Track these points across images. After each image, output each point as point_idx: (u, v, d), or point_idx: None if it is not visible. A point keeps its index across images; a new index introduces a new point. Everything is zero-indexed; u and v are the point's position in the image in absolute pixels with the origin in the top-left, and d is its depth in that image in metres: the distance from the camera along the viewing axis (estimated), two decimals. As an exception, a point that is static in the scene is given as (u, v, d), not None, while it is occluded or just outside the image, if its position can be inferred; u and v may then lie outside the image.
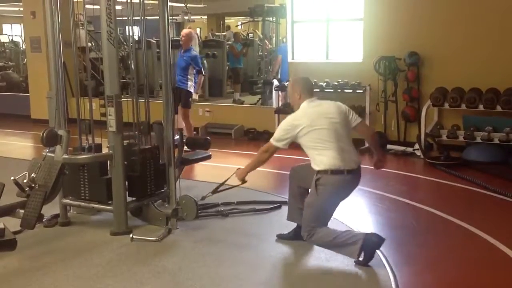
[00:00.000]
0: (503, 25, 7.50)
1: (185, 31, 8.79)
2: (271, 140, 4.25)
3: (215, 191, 4.68)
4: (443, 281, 3.90)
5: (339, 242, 4.02)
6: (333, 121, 4.11)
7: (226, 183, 4.65)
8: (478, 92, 7.38)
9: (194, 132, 9.21)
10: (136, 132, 4.97)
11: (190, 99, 8.12)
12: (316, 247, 4.35)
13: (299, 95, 4.24)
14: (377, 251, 4.09)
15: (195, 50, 8.50)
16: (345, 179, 4.08)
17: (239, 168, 4.42)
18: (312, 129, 4.07)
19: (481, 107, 7.25)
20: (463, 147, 7.51)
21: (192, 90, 8.09)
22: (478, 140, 7.24)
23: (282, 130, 4.21)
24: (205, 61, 12.33)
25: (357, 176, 4.18)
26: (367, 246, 3.95)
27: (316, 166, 4.09)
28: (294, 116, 4.21)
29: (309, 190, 4.22)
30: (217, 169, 6.77)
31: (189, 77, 8.03)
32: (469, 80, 7.55)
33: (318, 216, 4.12)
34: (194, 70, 8.10)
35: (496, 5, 7.55)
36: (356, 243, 3.96)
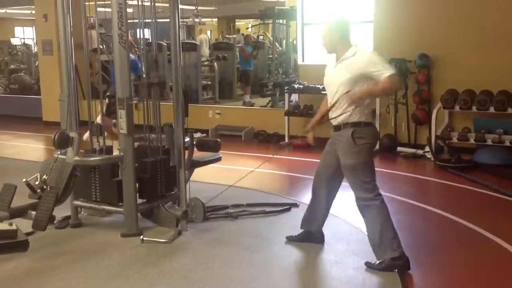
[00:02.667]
0: (515, 27, 7.47)
1: None
2: (391, 71, 3.88)
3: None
4: (452, 283, 3.89)
5: (384, 237, 3.93)
6: None
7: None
8: (489, 94, 7.35)
9: (204, 135, 9.21)
10: (147, 134, 5.00)
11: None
12: (325, 249, 4.36)
13: (341, 38, 4.08)
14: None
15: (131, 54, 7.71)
16: (376, 131, 4.16)
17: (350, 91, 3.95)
18: None
19: (492, 110, 7.21)
20: (474, 150, 7.47)
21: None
22: (489, 142, 7.21)
23: (383, 58, 4.02)
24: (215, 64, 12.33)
25: None
26: (394, 262, 3.90)
27: (351, 118, 3.95)
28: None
29: (341, 156, 4.03)
30: (227, 171, 6.79)
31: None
32: (480, 82, 7.51)
33: (368, 170, 3.99)
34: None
35: (507, 8, 7.52)
36: (392, 252, 3.91)
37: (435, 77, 8.01)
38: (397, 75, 3.88)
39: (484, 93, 7.38)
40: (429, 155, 7.64)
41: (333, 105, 4.04)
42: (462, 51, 7.78)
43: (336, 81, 4.04)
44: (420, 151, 7.87)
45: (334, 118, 4.05)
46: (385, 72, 3.85)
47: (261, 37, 16.66)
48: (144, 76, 6.37)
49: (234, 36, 19.57)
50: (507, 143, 7.10)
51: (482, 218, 5.14)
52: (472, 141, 7.38)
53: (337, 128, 4.05)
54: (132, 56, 7.03)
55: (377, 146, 6.35)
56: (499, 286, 3.87)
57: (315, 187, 4.37)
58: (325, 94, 4.28)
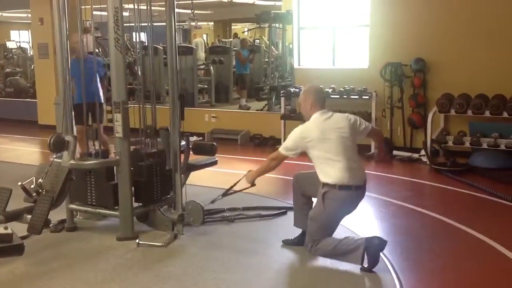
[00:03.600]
0: (510, 31, 7.49)
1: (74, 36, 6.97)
2: (280, 148, 4.29)
3: (225, 194, 4.73)
4: (448, 287, 3.89)
5: (341, 250, 4.03)
6: (343, 135, 4.12)
7: (234, 187, 4.68)
8: (484, 98, 7.37)
9: (200, 138, 9.21)
10: (143, 138, 5.00)
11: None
12: (321, 253, 4.36)
13: (311, 105, 4.23)
14: (382, 256, 4.09)
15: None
16: (353, 195, 4.11)
17: (250, 170, 4.48)
18: (322, 142, 4.08)
19: (487, 113, 7.24)
20: (469, 153, 7.49)
21: (103, 101, 6.86)
22: (484, 146, 7.22)
23: (291, 140, 4.22)
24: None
25: (363, 192, 4.21)
26: (370, 249, 3.94)
27: (324, 179, 4.09)
28: (304, 127, 4.22)
29: (313, 199, 4.24)
30: (223, 174, 6.78)
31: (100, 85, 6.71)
32: (476, 86, 7.54)
33: (323, 230, 4.15)
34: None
35: (503, 12, 7.55)
36: (358, 248, 3.96)
37: (431, 81, 8.03)
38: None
39: (479, 97, 7.40)
40: (424, 159, 7.66)
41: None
42: (458, 55, 7.81)
43: None
44: (415, 155, 7.89)
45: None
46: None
47: (257, 41, 16.68)
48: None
49: (231, 40, 19.58)
50: (503, 147, 7.12)
51: (478, 222, 5.15)
52: (467, 144, 7.40)
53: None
54: (98, 58, 6.89)
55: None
56: (495, 290, 3.88)
57: (294, 190, 4.53)
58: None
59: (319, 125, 4.15)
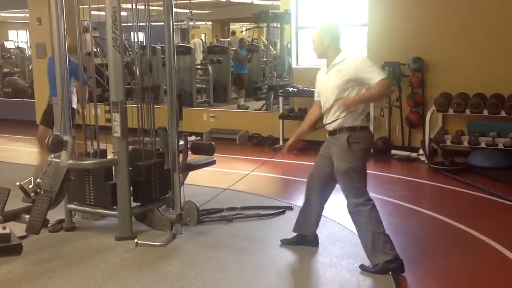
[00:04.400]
0: (508, 30, 7.50)
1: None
2: (382, 75, 3.90)
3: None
4: (446, 286, 3.91)
5: (376, 241, 3.94)
6: None
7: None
8: (482, 97, 7.38)
9: (198, 138, 9.21)
10: (141, 138, 5.00)
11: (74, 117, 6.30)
12: (319, 252, 4.37)
13: (329, 42, 4.12)
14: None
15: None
16: (371, 136, 4.20)
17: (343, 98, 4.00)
18: None
19: (485, 113, 7.25)
20: (467, 153, 7.50)
21: (75, 106, 6.57)
22: (483, 145, 7.24)
23: (374, 63, 4.07)
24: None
25: None
26: (388, 265, 3.92)
27: (346, 123, 3.97)
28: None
29: (335, 160, 4.04)
30: (221, 174, 6.79)
31: (73, 89, 6.44)
32: (474, 86, 7.55)
33: (361, 176, 4.02)
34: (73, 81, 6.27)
35: (500, 11, 7.56)
36: (386, 255, 3.92)
37: (429, 81, 8.04)
38: (390, 79, 3.90)
39: (477, 96, 7.41)
40: (423, 158, 7.67)
41: (327, 111, 4.06)
42: (456, 55, 7.82)
43: (328, 87, 4.06)
44: (414, 154, 7.90)
45: (328, 123, 4.06)
46: (376, 77, 3.86)
47: (255, 40, 16.68)
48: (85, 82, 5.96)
49: (229, 39, 19.57)
50: (501, 146, 7.13)
51: (476, 221, 5.16)
52: (465, 144, 7.41)
53: (332, 133, 4.06)
54: (73, 60, 6.41)
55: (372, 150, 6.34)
56: (493, 288, 3.88)
57: (308, 190, 4.38)
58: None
59: None
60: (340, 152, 4.01)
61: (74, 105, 6.43)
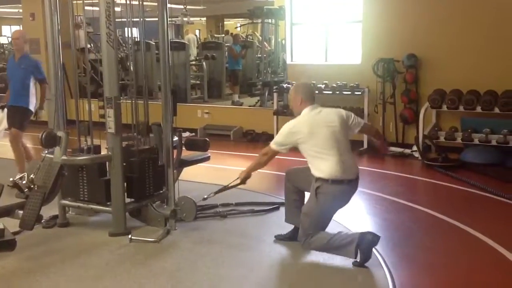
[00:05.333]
0: (501, 27, 7.52)
1: (17, 31, 7.10)
2: (271, 143, 4.29)
3: (217, 192, 4.71)
4: (440, 282, 3.92)
5: (334, 244, 4.06)
6: (334, 129, 4.12)
7: (227, 185, 4.68)
8: (476, 94, 7.40)
9: (193, 134, 9.19)
10: (135, 134, 4.99)
11: (27, 120, 6.42)
12: (314, 248, 4.38)
13: (301, 101, 4.25)
14: (375, 252, 4.11)
15: (30, 55, 6.62)
16: (345, 189, 4.13)
17: (242, 171, 4.49)
18: (313, 137, 4.09)
19: (479, 109, 7.27)
20: (461, 149, 7.53)
21: (32, 108, 6.37)
22: (476, 142, 7.26)
23: (282, 136, 4.24)
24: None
25: (356, 186, 4.24)
26: (363, 244, 3.97)
27: (316, 173, 4.10)
28: (295, 122, 4.22)
29: (306, 194, 4.26)
30: (216, 170, 6.78)
31: (30, 90, 6.32)
32: (467, 82, 7.57)
33: (316, 224, 4.17)
34: (33, 81, 6.36)
35: (494, 8, 7.58)
36: (351, 243, 3.98)
37: (423, 77, 8.05)
38: (272, 147, 4.26)
39: (471, 93, 7.43)
40: (416, 154, 7.69)
41: None
42: (450, 52, 7.84)
43: None
44: (407, 150, 7.92)
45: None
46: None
47: (250, 36, 16.66)
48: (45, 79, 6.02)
49: (223, 35, 19.54)
50: (494, 143, 7.16)
51: (469, 217, 5.18)
52: (459, 140, 7.43)
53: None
54: (32, 57, 6.55)
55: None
56: (485, 283, 3.89)
57: (286, 186, 4.55)
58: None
59: (309, 119, 4.17)
60: (309, 194, 4.21)
61: (32, 107, 6.38)
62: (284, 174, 4.61)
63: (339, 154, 4.08)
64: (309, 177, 4.17)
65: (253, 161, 4.49)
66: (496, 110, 7.16)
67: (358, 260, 4.01)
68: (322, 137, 4.09)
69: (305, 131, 4.11)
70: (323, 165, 4.07)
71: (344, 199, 4.19)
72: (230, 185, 4.66)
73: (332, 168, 4.05)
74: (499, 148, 7.21)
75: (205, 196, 4.76)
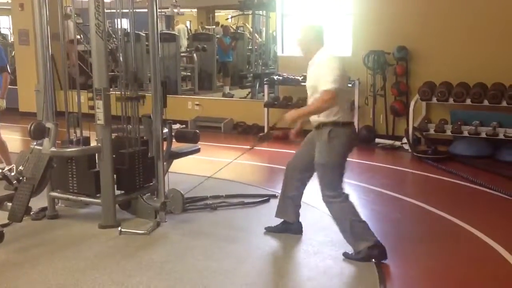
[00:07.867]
0: (491, 20, 7.55)
1: None
2: (329, 85, 3.83)
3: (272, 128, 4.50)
4: (427, 274, 3.95)
5: (355, 228, 4.00)
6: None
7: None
8: (465, 86, 7.44)
9: (183, 126, 9.17)
10: (125, 126, 4.97)
11: None
12: (303, 239, 4.40)
13: (316, 40, 4.13)
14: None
15: None
16: (352, 132, 4.17)
17: (291, 111, 4.15)
18: (344, 77, 4.06)
19: (468, 102, 7.31)
20: (450, 141, 7.57)
21: None
22: (465, 134, 7.30)
23: (337, 70, 3.94)
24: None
25: (356, 135, 4.37)
26: (370, 251, 3.96)
27: (327, 117, 3.99)
28: (337, 57, 4.11)
29: (316, 152, 4.08)
30: (206, 162, 6.78)
31: None
32: (457, 75, 7.60)
33: (338, 171, 4.07)
34: None
35: (484, 1, 7.61)
36: (367, 241, 3.97)
37: (413, 70, 8.08)
38: (335, 89, 3.83)
39: (461, 85, 7.46)
40: (406, 147, 7.72)
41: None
42: (440, 44, 7.85)
43: (307, 84, 4.17)
44: (397, 143, 7.95)
45: (312, 119, 4.10)
46: (322, 86, 3.90)
47: (240, 28, 16.62)
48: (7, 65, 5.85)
49: (213, 27, 19.48)
50: (483, 135, 7.20)
51: (458, 209, 5.21)
52: (448, 132, 7.47)
53: (317, 127, 4.11)
54: None
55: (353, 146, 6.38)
56: (473, 274, 3.93)
57: (287, 177, 4.43)
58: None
59: (339, 58, 4.13)
60: (320, 145, 4.06)
61: None
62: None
63: (347, 98, 4.18)
64: (310, 144, 4.15)
65: (309, 106, 4.05)
66: (486, 102, 7.20)
67: (350, 253, 4.03)
68: (346, 80, 4.17)
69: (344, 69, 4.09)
70: (336, 108, 3.98)
71: (353, 143, 4.21)
72: (276, 126, 4.44)
73: (344, 111, 4.06)
74: (488, 141, 7.26)
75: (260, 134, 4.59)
